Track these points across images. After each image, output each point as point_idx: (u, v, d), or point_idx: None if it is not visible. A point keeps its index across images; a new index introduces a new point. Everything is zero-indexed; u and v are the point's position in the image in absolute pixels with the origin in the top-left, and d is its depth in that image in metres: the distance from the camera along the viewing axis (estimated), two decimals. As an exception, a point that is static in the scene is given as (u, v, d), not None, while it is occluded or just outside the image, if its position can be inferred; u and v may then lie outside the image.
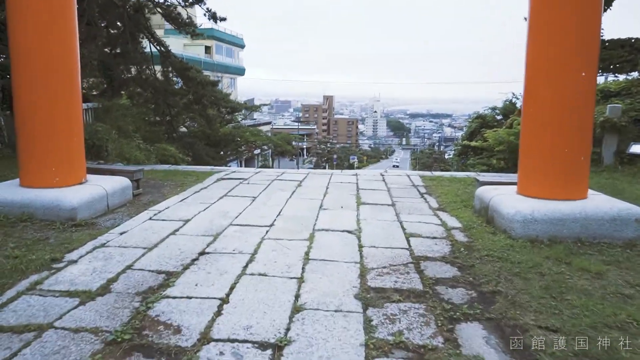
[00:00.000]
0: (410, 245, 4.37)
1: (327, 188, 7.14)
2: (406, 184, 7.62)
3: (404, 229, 4.90)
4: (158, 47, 14.45)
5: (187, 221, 5.10)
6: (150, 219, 5.22)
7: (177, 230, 4.77)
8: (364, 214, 5.51)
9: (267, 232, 4.72)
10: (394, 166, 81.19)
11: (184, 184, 7.31)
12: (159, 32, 48.36)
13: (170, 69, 15.41)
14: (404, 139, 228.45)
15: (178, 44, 49.89)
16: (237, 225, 4.96)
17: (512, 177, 6.20)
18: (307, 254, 4.07)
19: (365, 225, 5.03)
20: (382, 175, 8.55)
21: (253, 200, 6.19)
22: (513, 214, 4.51)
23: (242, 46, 62.00)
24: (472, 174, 8.79)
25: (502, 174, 9.17)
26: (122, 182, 6.04)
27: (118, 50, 14.26)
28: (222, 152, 23.67)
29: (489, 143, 12.80)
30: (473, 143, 14.15)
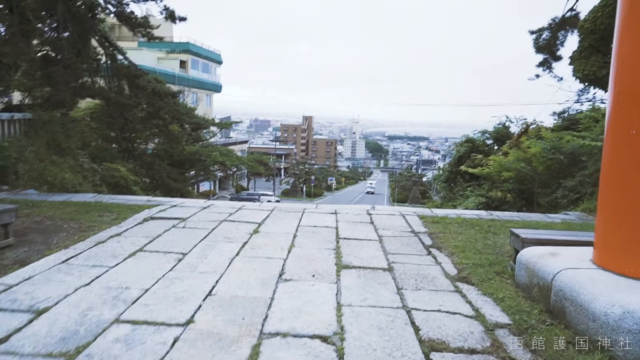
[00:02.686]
0: (437, 380, 2.33)
1: (294, 236, 5.07)
2: (403, 230, 5.62)
3: (416, 331, 2.86)
4: (105, 51, 12.26)
5: (43, 312, 2.94)
6: (-17, 303, 3.04)
7: (9, 336, 2.62)
8: (349, 293, 3.45)
9: (174, 342, 2.60)
10: (367, 192, 78.04)
11: (91, 227, 5.12)
12: (132, 44, 46.19)
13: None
14: (382, 161, 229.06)
15: (152, 58, 47.87)
16: (128, 322, 2.83)
17: (570, 234, 4.28)
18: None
19: (352, 321, 2.97)
20: (370, 214, 6.54)
21: (179, 261, 4.06)
22: (618, 316, 2.52)
23: (220, 62, 60.12)
24: (483, 214, 6.87)
25: (518, 213, 7.29)
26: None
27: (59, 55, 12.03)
28: (187, 173, 21.37)
29: (489, 170, 11.02)
30: (471, 170, 12.33)
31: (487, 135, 19.82)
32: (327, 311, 3.09)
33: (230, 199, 46.75)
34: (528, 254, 3.60)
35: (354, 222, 5.95)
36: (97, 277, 3.56)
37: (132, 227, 5.24)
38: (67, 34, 11.91)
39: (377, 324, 2.94)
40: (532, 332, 2.88)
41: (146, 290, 3.33)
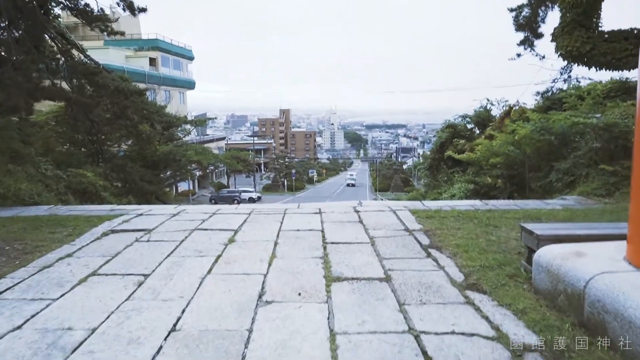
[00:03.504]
0: None
1: (275, 244, 4.46)
2: (395, 228, 5.07)
3: (431, 364, 2.31)
4: (60, 48, 11.30)
5: (-49, 373, 2.28)
6: None
7: None
8: (342, 316, 2.87)
9: (121, 409, 1.99)
10: (348, 184, 75.69)
11: (38, 248, 4.41)
12: (98, 43, 44.52)
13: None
14: (361, 150, 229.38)
15: (120, 56, 46.19)
16: (63, 381, 2.20)
17: (591, 227, 3.79)
18: None
19: (350, 356, 2.39)
20: (357, 211, 5.98)
21: (139, 286, 3.41)
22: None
23: (191, 58, 58.54)
24: (478, 204, 6.38)
25: (515, 201, 6.84)
26: None
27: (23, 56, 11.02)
28: (161, 175, 20.47)
29: (476, 156, 10.58)
30: (458, 156, 11.85)
31: (468, 119, 19.47)
32: (319, 344, 2.51)
33: (210, 198, 45.72)
34: (548, 255, 3.08)
35: (341, 223, 5.38)
36: (32, 316, 2.89)
37: (87, 244, 4.55)
38: (19, 32, 10.97)
39: (381, 357, 2.37)
40: (570, 356, 2.36)
41: (93, 331, 2.68)
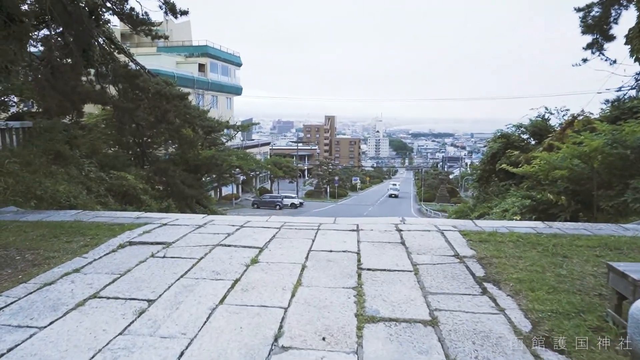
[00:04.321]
0: None
1: (302, 268, 3.89)
2: (443, 253, 4.37)
3: None
4: (106, 51, 11.38)
5: None
6: None
7: None
8: (375, 376, 2.25)
9: None
10: (390, 195, 70.32)
11: (48, 260, 4.07)
12: (151, 50, 46.13)
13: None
14: (406, 159, 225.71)
15: (170, 62, 47.67)
16: None
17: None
18: None
19: None
20: (399, 230, 5.31)
21: (139, 315, 2.94)
22: None
23: (239, 64, 59.60)
24: (540, 226, 5.53)
25: (584, 224, 5.91)
26: None
27: (67, 59, 11.18)
28: (203, 179, 20.51)
29: (535, 169, 9.56)
30: (513, 169, 10.81)
31: (522, 129, 18.18)
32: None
33: (253, 203, 46.06)
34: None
35: (380, 243, 4.74)
36: (9, 350, 2.47)
37: (100, 257, 4.17)
38: (70, 37, 11.12)
39: None
40: None
41: (69, 377, 2.21)
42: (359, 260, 4.11)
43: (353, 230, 5.30)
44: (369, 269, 3.88)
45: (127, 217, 6.18)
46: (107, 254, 4.29)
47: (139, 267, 3.90)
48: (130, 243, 4.67)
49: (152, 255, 4.23)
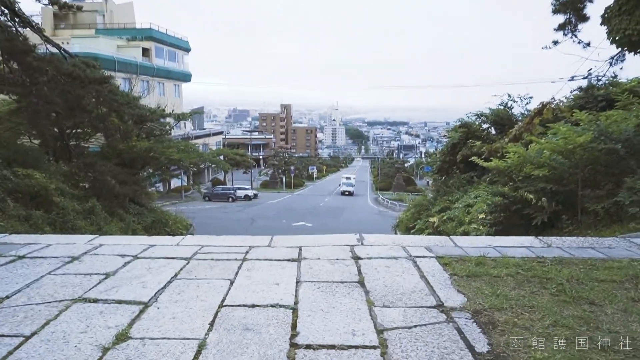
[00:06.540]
0: None
1: (199, 350, 2.35)
2: (420, 303, 2.96)
3: None
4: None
5: None
6: None
7: None
8: None
9: None
10: (343, 193, 56.98)
11: None
12: (89, 32, 42.42)
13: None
14: (362, 147, 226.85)
15: (110, 46, 43.90)
16: None
17: None
18: None
19: None
20: (356, 258, 3.87)
21: None
22: None
23: (188, 49, 56.30)
24: (535, 244, 4.27)
25: (589, 239, 4.70)
26: None
27: None
28: (139, 174, 18.37)
29: (506, 164, 8.43)
30: (485, 163, 9.58)
31: (483, 118, 17.33)
32: None
33: (204, 195, 43.69)
34: None
35: (328, 284, 3.27)
36: None
37: None
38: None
39: None
40: None
41: None
42: (293, 327, 2.62)
43: (292, 261, 3.81)
44: (308, 347, 2.40)
45: (-24, 243, 4.38)
46: None
47: None
48: (-64, 301, 2.94)
49: (-49, 331, 2.54)
